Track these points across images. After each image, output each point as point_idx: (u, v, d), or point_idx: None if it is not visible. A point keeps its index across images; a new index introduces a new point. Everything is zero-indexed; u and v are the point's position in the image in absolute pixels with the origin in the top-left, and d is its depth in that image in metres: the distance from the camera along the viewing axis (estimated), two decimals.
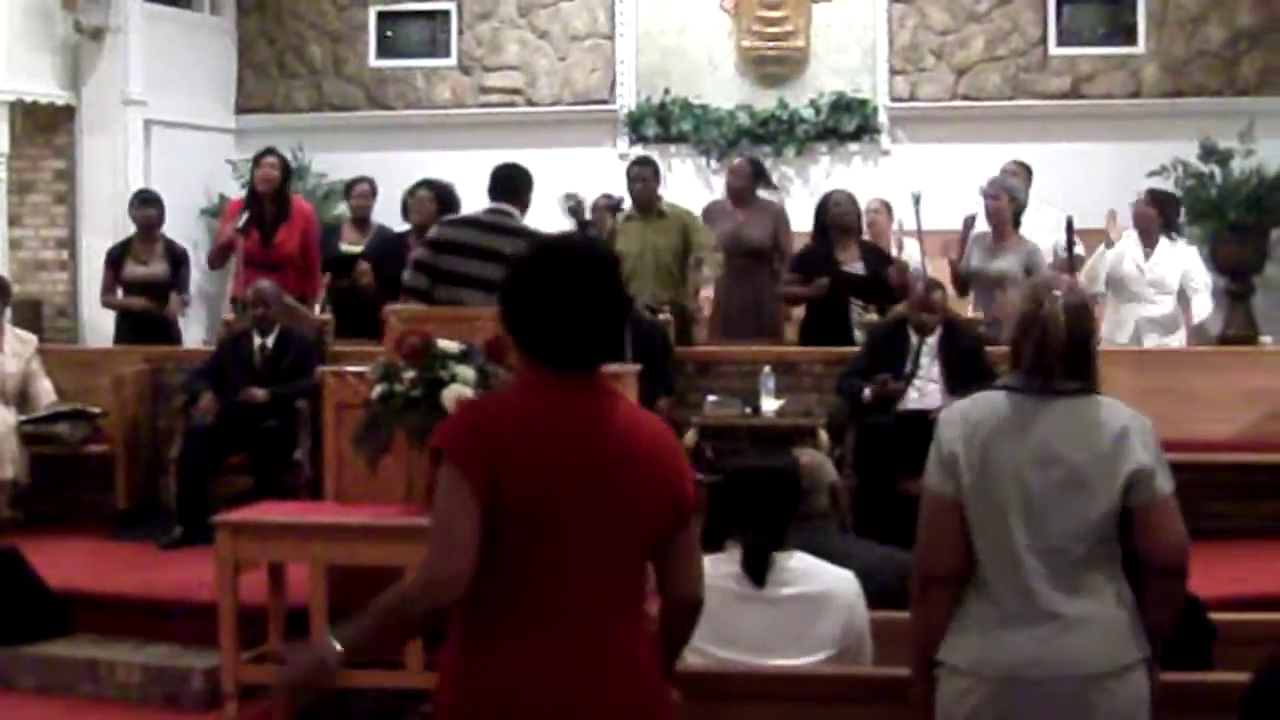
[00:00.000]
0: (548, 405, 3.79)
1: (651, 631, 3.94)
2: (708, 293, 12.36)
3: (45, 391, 11.08)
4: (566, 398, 3.81)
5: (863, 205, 12.04)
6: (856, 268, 11.24)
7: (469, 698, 3.74)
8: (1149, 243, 11.78)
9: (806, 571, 5.22)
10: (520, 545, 3.70)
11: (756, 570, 5.17)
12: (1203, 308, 11.99)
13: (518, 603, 3.72)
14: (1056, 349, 4.41)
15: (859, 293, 11.21)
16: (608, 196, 12.09)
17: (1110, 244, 12.04)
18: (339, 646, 3.67)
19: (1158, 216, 11.79)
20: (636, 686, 3.82)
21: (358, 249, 12.26)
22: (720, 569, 5.11)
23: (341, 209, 13.62)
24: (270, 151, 12.17)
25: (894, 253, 12.19)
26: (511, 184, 9.09)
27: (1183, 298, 11.88)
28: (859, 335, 11.05)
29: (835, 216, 11.40)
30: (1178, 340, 11.78)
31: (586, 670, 3.73)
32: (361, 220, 12.63)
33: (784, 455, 5.84)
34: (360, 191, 12.74)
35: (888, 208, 13.06)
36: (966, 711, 4.37)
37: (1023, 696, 4.31)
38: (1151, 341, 11.67)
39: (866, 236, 12.05)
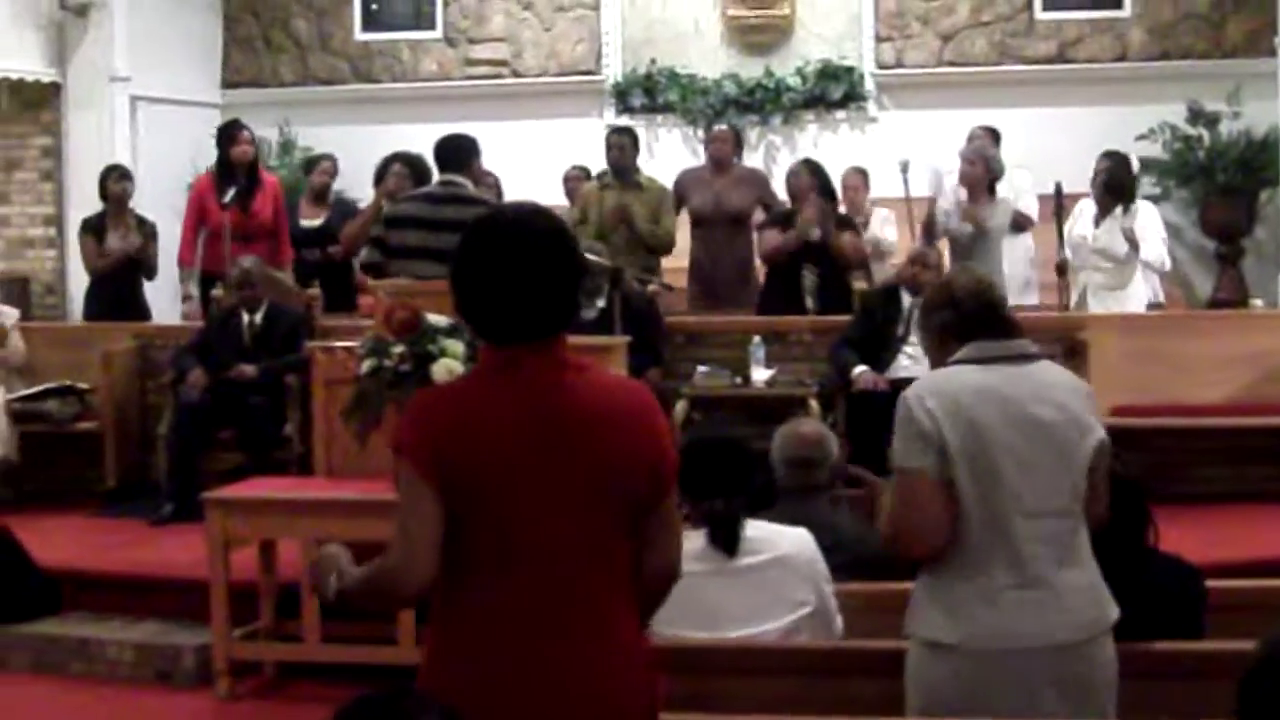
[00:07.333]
0: (501, 388, 3.68)
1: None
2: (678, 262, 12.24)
3: (15, 349, 11.20)
4: (521, 376, 3.67)
5: (842, 174, 12.04)
6: (813, 233, 11.20)
7: (437, 684, 3.65)
8: (1103, 212, 11.58)
9: (764, 538, 5.22)
10: (479, 535, 3.62)
11: (728, 540, 5.16)
12: (1153, 253, 11.65)
13: (477, 593, 3.64)
14: (992, 311, 4.48)
15: (810, 257, 11.22)
16: (579, 168, 12.34)
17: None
18: (337, 586, 3.75)
19: (1104, 189, 11.54)
20: (605, 672, 3.68)
21: (315, 223, 12.56)
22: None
23: None
24: (241, 125, 12.31)
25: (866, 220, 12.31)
26: (458, 155, 9.13)
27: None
28: (810, 302, 11.14)
29: (787, 185, 11.56)
30: (1133, 301, 11.48)
31: (544, 664, 3.62)
32: (320, 196, 12.78)
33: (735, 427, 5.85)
34: (323, 169, 12.95)
35: (864, 177, 12.92)
36: (961, 688, 4.33)
37: (1019, 667, 4.28)
38: (1099, 305, 11.41)
39: (842, 205, 12.02)
